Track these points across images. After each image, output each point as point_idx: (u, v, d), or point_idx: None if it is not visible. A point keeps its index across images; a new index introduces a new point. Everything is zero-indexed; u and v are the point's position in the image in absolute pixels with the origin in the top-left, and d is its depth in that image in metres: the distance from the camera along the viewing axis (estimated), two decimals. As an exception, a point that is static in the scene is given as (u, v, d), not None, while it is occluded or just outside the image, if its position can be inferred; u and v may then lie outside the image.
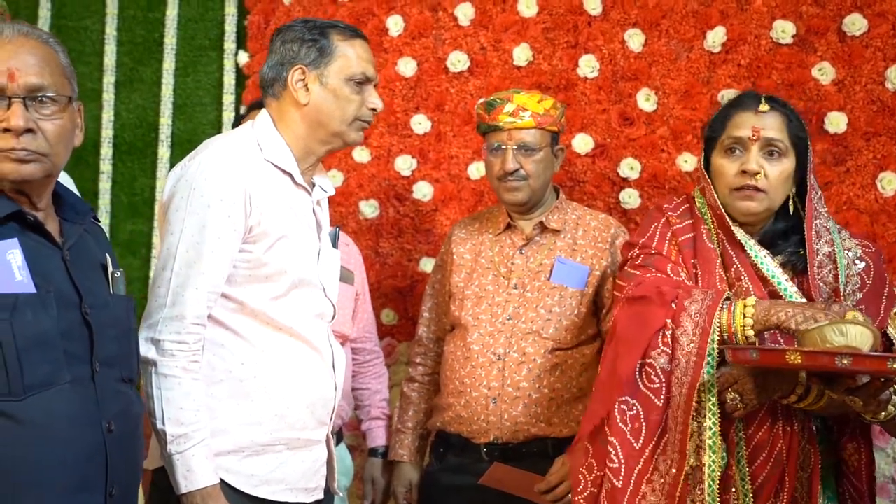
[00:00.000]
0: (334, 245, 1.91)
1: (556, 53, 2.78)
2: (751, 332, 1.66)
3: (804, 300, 1.74)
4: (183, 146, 3.04)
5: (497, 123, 2.21)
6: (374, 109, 1.84)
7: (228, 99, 3.05)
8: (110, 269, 1.52)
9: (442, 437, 2.28)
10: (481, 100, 2.39)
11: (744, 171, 1.76)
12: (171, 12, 3.11)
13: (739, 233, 1.80)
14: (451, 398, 2.23)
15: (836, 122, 2.55)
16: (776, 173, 1.76)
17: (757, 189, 1.76)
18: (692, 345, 1.66)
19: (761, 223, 1.83)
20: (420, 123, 2.87)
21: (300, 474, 1.77)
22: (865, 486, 1.76)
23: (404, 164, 2.86)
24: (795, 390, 1.68)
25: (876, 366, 1.53)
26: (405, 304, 2.84)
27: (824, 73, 2.57)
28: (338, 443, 2.32)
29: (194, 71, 3.09)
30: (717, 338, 1.65)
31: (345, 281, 2.30)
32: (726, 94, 2.62)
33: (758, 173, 1.75)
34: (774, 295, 1.75)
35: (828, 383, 1.65)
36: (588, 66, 2.74)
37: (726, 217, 1.80)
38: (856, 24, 2.55)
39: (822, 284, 1.76)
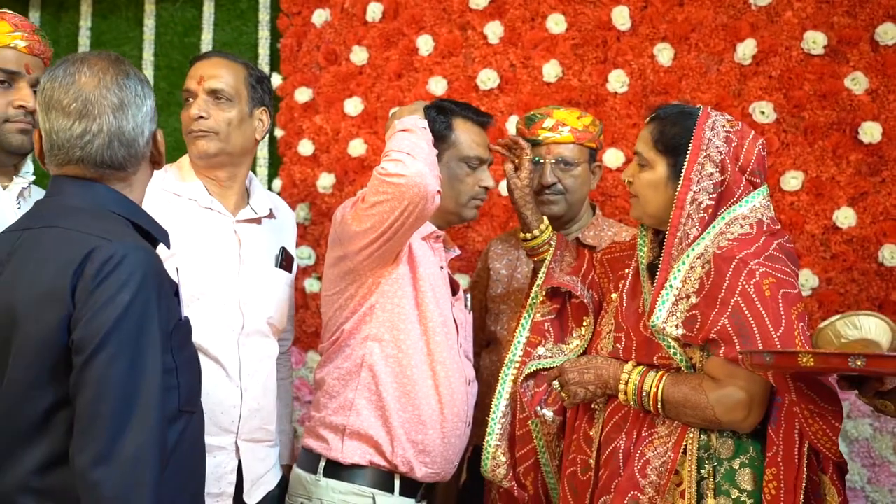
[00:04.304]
0: (279, 265, 2.11)
1: (585, 69, 2.79)
2: (520, 232, 2.12)
3: (646, 283, 1.83)
4: (218, 167, 3.09)
5: (536, 138, 2.22)
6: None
7: (262, 120, 3.10)
8: None
9: (478, 451, 2.27)
10: (513, 116, 2.40)
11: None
12: (206, 37, 3.18)
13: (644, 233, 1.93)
14: (487, 413, 2.22)
15: (871, 131, 2.53)
16: (640, 182, 1.85)
17: (630, 195, 1.89)
18: None
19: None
20: (451, 141, 2.89)
21: None
22: None
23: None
24: (619, 391, 1.76)
25: (894, 366, 1.39)
26: (439, 320, 2.85)
27: (857, 82, 2.55)
28: None
29: (229, 94, 3.15)
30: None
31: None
32: (757, 107, 2.62)
33: (627, 182, 1.88)
34: (633, 289, 1.87)
35: (857, 386, 1.56)
36: (618, 81, 2.75)
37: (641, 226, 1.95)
38: (888, 33, 2.53)
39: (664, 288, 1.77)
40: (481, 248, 2.74)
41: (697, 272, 1.72)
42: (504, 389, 1.98)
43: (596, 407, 1.84)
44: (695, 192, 1.74)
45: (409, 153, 1.85)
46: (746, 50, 2.64)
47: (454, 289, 2.10)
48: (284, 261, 2.13)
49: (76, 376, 1.31)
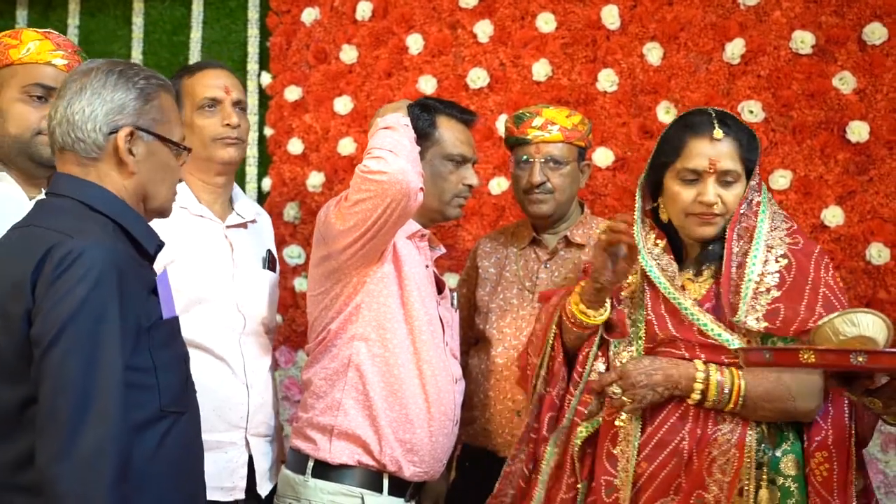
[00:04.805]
0: (266, 266, 2.16)
1: (575, 68, 2.79)
2: (582, 307, 1.88)
3: (680, 297, 1.81)
4: (207, 166, 3.09)
5: (525, 136, 2.22)
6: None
7: (252, 119, 3.09)
8: None
9: (467, 450, 2.28)
10: (503, 115, 2.40)
11: (701, 201, 1.81)
12: (195, 35, 3.17)
13: (644, 250, 1.86)
14: (476, 411, 2.23)
15: (858, 131, 2.54)
16: (731, 198, 1.82)
17: (715, 215, 1.82)
18: (540, 325, 2.02)
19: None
20: (441, 140, 2.88)
21: (212, 474, 1.80)
22: (839, 502, 1.69)
23: (426, 181, 2.88)
24: (693, 391, 1.73)
25: (894, 362, 1.45)
26: (428, 319, 2.85)
27: (845, 82, 2.56)
28: None
29: (218, 92, 3.14)
30: (558, 318, 1.95)
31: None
32: (746, 106, 2.62)
33: (715, 203, 1.81)
34: (664, 302, 1.84)
35: (846, 384, 1.60)
36: (607, 80, 2.75)
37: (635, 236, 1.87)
38: (876, 32, 2.54)
39: (732, 284, 1.78)
40: (471, 246, 2.74)
41: (773, 266, 1.78)
42: (551, 457, 1.90)
43: (621, 424, 1.80)
44: (751, 193, 1.83)
45: (391, 150, 1.85)
46: (735, 49, 2.64)
47: (440, 287, 2.10)
48: (270, 262, 2.19)
49: (35, 370, 1.32)
